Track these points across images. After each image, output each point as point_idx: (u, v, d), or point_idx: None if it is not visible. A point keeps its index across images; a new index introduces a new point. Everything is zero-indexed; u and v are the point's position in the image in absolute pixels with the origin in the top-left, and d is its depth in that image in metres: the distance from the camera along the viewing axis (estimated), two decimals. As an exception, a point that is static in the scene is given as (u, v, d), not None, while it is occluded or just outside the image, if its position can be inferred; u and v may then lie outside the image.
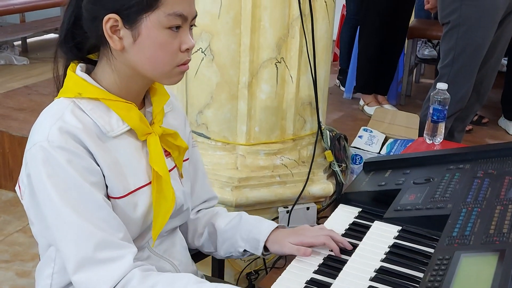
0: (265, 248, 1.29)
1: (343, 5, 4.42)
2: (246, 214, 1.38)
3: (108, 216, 1.05)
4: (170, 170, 1.18)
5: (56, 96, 1.12)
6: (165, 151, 1.19)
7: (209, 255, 1.45)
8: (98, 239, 1.02)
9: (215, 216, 1.39)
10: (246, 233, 1.31)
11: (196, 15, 1.11)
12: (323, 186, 2.34)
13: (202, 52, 2.14)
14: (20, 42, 5.01)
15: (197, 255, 1.44)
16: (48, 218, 1.05)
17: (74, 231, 1.02)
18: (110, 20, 1.05)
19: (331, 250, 1.21)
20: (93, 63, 1.16)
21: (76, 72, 1.11)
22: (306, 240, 1.23)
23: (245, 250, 1.32)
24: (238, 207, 2.20)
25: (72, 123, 1.04)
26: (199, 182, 1.37)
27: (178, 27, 1.07)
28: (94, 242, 1.02)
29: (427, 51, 4.37)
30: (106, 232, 1.04)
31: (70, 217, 1.02)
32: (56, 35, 5.11)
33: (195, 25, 1.13)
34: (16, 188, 1.17)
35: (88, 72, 1.13)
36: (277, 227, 1.31)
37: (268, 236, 1.28)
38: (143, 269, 1.06)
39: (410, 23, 4.01)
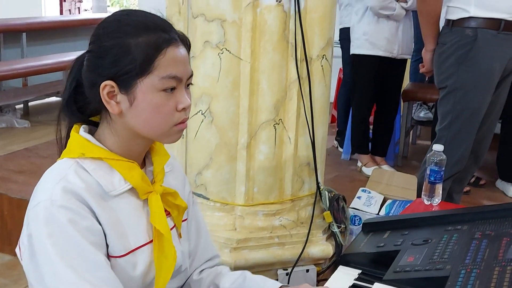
0: None
1: (340, 68, 4.52)
2: (250, 273, 1.37)
3: (107, 276, 1.04)
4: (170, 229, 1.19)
5: (59, 157, 1.14)
6: (165, 210, 1.19)
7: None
8: None
9: (219, 276, 1.38)
10: None
11: (191, 74, 1.14)
12: (322, 248, 2.33)
13: (202, 114, 2.18)
14: (22, 105, 5.07)
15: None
16: (45, 277, 1.04)
17: None
18: (106, 86, 1.08)
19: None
20: (96, 124, 1.18)
21: (80, 133, 1.14)
22: None
23: None
24: (237, 269, 2.18)
25: (75, 182, 1.06)
26: (202, 241, 1.37)
27: (173, 89, 1.10)
28: None
29: (422, 113, 4.44)
30: None
31: (68, 277, 1.01)
32: (58, 99, 5.20)
33: (191, 84, 1.15)
34: (16, 249, 1.16)
35: (91, 133, 1.15)
36: (280, 287, 1.31)
37: None
38: None
39: (405, 86, 4.09)
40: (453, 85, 2.51)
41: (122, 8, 14.13)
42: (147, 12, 1.12)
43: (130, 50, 1.06)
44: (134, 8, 1.30)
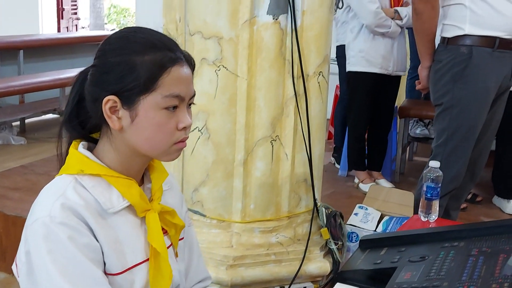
0: None
1: (337, 85, 4.54)
2: None
3: None
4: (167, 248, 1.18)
5: (58, 173, 1.14)
6: (162, 228, 1.19)
7: None
8: None
9: None
10: None
11: (194, 94, 1.14)
12: (319, 265, 2.32)
13: (198, 130, 2.18)
14: (18, 122, 5.07)
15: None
16: None
17: None
18: (109, 101, 1.08)
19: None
20: (95, 141, 1.18)
21: (79, 149, 1.14)
22: None
23: None
24: (234, 287, 2.17)
25: (74, 199, 1.06)
26: (194, 262, 1.37)
27: (175, 107, 1.10)
28: None
29: (418, 130, 4.45)
30: None
31: None
32: (54, 116, 5.20)
33: (193, 103, 1.16)
34: (13, 266, 1.15)
35: (90, 149, 1.15)
36: None
37: None
38: None
39: (401, 103, 4.11)
40: (448, 102, 2.52)
41: (119, 26, 14.22)
42: (154, 30, 1.13)
43: (136, 67, 1.07)
44: (138, 26, 1.30)
